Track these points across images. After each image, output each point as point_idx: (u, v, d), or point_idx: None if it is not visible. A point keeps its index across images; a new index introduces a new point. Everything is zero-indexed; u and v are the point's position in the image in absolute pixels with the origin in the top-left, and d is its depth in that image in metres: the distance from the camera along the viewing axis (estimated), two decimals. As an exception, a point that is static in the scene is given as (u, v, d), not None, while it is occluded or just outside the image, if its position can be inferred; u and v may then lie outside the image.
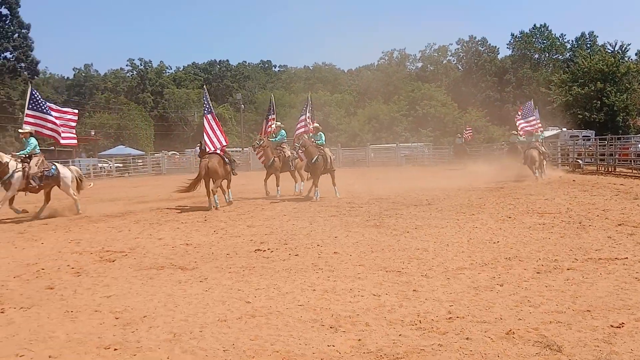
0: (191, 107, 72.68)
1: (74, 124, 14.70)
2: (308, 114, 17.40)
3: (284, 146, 17.43)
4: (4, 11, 57.46)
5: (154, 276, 6.87)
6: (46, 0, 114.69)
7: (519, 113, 26.47)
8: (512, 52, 75.18)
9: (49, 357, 4.32)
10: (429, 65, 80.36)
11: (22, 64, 59.42)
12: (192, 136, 67.79)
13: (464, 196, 15.11)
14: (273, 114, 18.61)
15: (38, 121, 14.10)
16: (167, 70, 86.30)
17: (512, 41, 75.00)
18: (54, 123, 14.20)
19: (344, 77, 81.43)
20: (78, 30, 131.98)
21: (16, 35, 58.84)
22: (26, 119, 14.02)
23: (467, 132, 42.63)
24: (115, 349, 4.43)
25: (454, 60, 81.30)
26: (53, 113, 14.30)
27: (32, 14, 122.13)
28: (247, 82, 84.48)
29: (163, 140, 69.75)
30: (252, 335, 4.65)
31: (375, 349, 4.24)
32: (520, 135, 24.16)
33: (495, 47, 78.52)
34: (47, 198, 14.09)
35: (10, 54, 58.95)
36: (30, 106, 14.02)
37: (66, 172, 14.07)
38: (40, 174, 13.41)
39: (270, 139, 17.52)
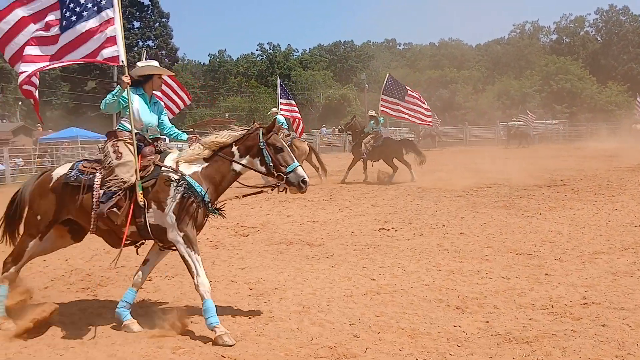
0: (316, 89, 73.91)
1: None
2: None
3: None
4: (146, 1, 62.15)
5: (283, 251, 7.21)
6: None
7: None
8: (658, 20, 68.26)
9: (191, 322, 4.72)
10: (564, 37, 75.35)
11: (163, 51, 63.95)
12: (317, 117, 69.07)
13: (603, 176, 14.09)
14: (285, 98, 17.48)
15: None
16: (294, 53, 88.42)
17: (658, 8, 68.07)
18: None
19: (472, 53, 78.37)
20: (212, 17, 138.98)
21: (157, 24, 63.45)
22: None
23: None
24: (249, 318, 4.74)
25: (592, 32, 75.48)
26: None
27: (170, 3, 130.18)
28: (371, 62, 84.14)
29: (291, 122, 71.83)
30: (377, 311, 4.74)
31: (503, 332, 4.15)
32: None
33: (639, 16, 71.78)
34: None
35: (152, 42, 63.73)
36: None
37: None
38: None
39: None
